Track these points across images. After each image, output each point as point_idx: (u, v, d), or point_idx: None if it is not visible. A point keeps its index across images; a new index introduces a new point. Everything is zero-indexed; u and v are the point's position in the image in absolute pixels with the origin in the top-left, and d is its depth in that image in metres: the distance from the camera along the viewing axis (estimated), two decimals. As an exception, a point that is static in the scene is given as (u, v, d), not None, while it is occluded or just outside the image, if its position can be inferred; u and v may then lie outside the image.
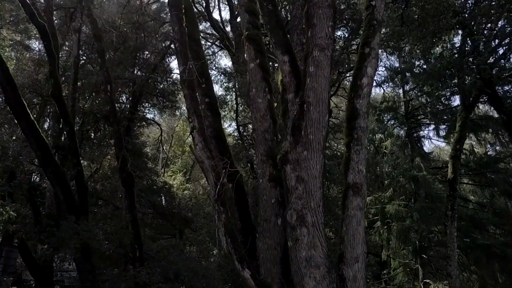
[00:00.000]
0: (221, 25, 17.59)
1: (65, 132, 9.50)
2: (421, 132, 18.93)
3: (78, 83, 12.16)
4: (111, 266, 8.01)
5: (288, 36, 5.76)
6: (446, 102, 15.03)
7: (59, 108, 8.96)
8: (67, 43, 15.34)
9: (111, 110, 8.44)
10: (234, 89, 15.14)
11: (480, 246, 12.17)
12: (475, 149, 16.37)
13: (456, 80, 10.86)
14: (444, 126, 16.36)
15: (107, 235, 7.73)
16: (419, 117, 17.98)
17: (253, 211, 7.28)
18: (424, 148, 18.53)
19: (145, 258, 8.08)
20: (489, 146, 15.82)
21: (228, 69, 15.78)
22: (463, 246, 12.57)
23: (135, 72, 13.77)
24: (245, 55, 6.45)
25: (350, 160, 5.02)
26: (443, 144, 24.22)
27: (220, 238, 4.94)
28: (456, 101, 15.46)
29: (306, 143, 4.94)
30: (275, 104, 6.69)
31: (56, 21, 14.26)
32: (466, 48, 9.85)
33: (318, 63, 4.94)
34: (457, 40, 12.19)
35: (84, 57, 14.55)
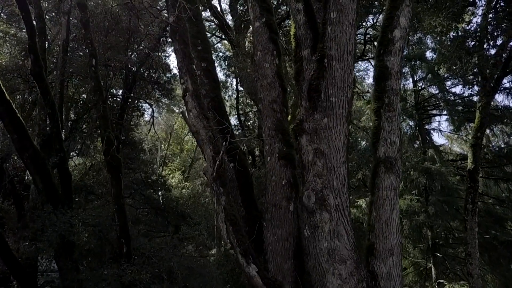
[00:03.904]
0: (220, 13, 16.78)
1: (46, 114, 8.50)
2: (428, 126, 18.13)
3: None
4: (96, 264, 7.04)
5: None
6: (460, 91, 14.17)
7: (40, 87, 8.00)
8: (59, 36, 14.50)
9: (95, 86, 7.48)
10: (234, 75, 14.21)
11: (503, 244, 11.21)
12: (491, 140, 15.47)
13: (477, 59, 9.89)
14: (456, 118, 15.52)
15: (88, 227, 6.77)
16: (428, 109, 17.11)
17: (258, 203, 6.31)
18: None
19: (134, 255, 7.12)
20: (506, 138, 14.90)
21: (228, 53, 14.81)
22: (483, 243, 11.58)
23: (129, 55, 12.82)
24: (250, 14, 5.50)
25: (381, 130, 4.05)
26: (448, 143, 23.44)
27: (219, 226, 3.96)
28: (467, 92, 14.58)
29: (327, 108, 3.96)
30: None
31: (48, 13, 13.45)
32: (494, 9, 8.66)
33: (342, 7, 3.97)
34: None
35: (72, 42, 13.59)
